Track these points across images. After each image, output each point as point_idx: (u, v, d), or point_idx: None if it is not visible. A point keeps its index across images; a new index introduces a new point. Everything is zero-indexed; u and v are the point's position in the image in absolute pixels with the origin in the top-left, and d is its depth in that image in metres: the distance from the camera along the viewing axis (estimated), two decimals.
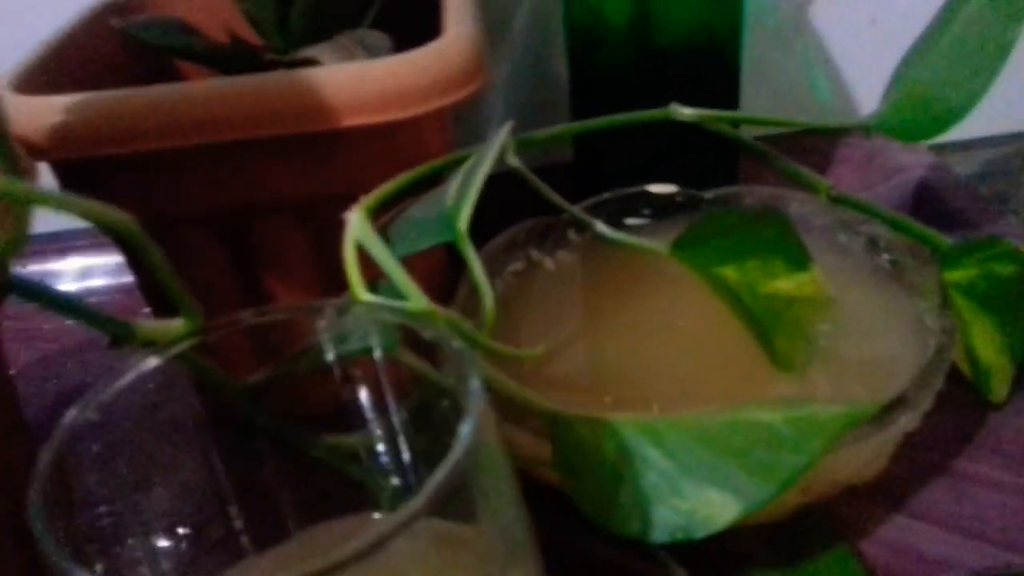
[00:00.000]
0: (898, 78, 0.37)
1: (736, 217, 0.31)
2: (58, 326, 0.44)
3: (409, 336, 0.23)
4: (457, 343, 0.19)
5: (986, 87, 0.33)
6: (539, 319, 0.34)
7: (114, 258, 0.48)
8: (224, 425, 0.22)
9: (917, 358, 0.29)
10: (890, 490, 0.32)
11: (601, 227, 0.33)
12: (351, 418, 0.25)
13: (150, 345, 0.20)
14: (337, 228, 0.32)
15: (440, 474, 0.16)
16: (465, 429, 0.17)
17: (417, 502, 0.15)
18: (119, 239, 0.18)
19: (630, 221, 0.38)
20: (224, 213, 0.32)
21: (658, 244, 0.31)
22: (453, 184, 0.28)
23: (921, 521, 0.31)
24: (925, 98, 0.35)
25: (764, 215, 0.31)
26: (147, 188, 0.30)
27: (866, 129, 0.36)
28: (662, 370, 0.31)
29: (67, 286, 0.49)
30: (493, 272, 0.35)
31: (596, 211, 0.37)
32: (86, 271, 0.50)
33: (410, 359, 0.23)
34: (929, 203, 0.46)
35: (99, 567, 0.15)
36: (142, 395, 0.20)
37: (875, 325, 0.32)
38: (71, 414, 0.18)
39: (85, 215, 0.17)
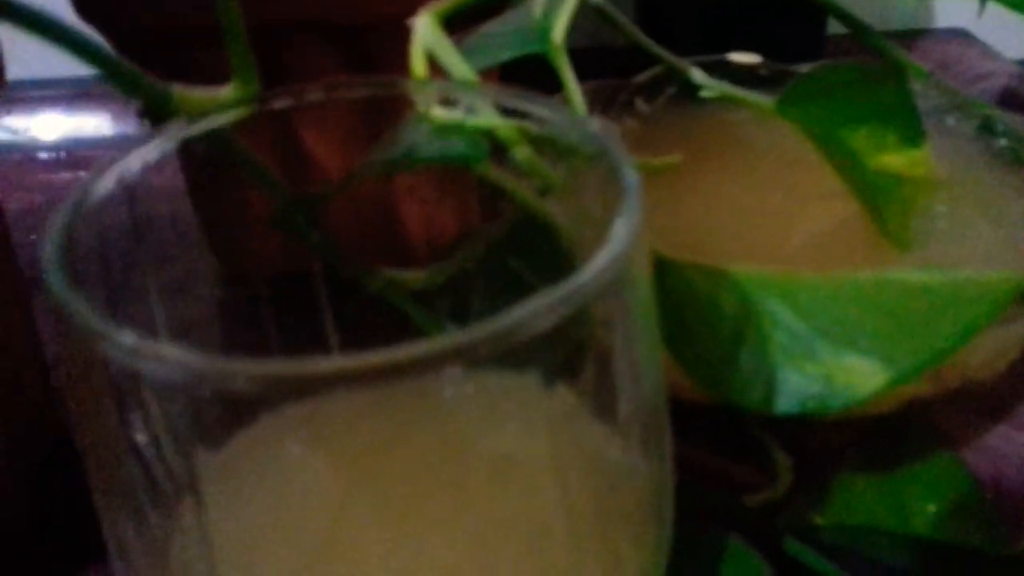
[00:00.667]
0: None
1: (853, 72, 0.27)
2: (47, 178, 0.40)
3: (498, 150, 0.19)
4: (596, 131, 0.15)
5: None
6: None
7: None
8: (266, 235, 0.18)
9: None
10: (996, 402, 0.28)
11: (698, 74, 0.28)
12: (415, 252, 0.21)
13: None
14: (381, 61, 0.28)
15: (588, 274, 0.12)
16: (621, 227, 0.12)
17: (550, 299, 0.11)
18: None
19: (705, 93, 0.34)
20: (252, 34, 0.27)
21: (762, 99, 0.27)
22: (538, 1, 0.23)
23: None
24: None
25: (882, 74, 0.27)
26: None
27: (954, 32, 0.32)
28: (758, 241, 0.27)
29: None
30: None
31: (666, 79, 0.33)
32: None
33: (501, 175, 0.19)
34: (1018, 111, 0.42)
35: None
36: (171, 175, 0.16)
37: (995, 210, 0.28)
38: (90, 179, 0.14)
39: None
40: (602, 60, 0.33)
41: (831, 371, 0.19)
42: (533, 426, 0.17)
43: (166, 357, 0.10)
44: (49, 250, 0.12)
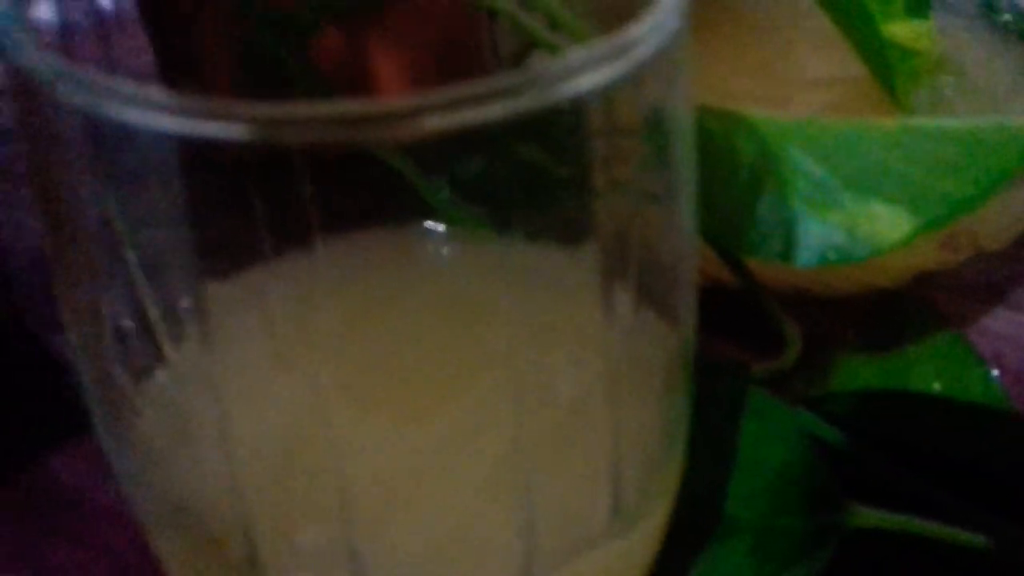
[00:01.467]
0: None
1: None
2: None
3: None
4: None
5: None
6: None
7: None
8: (247, 61, 0.16)
9: None
10: (995, 285, 0.28)
11: None
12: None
13: None
14: None
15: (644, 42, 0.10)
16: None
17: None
18: None
19: None
20: None
21: None
22: None
23: None
24: None
25: None
26: None
27: None
28: (775, 95, 0.25)
29: None
30: None
31: None
32: None
33: (505, 5, 0.17)
34: None
35: None
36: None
37: (1001, 85, 0.27)
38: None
39: None
40: None
41: (855, 220, 0.18)
42: (570, 294, 0.16)
43: (146, 98, 0.08)
44: (6, 8, 0.10)
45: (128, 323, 0.13)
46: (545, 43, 0.17)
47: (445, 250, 0.18)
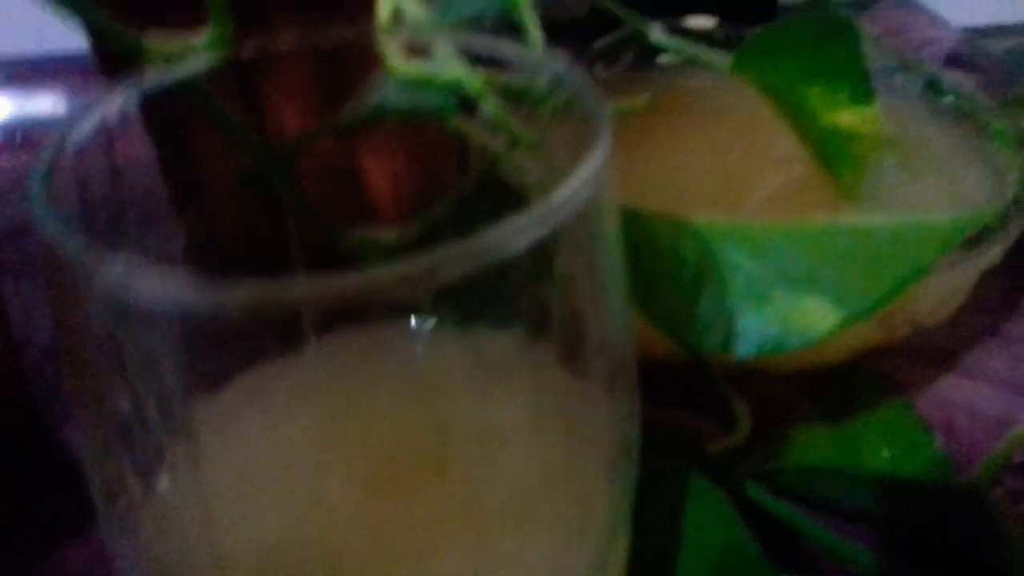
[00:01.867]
0: None
1: (807, 25, 0.27)
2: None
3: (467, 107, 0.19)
4: (572, 71, 0.15)
5: None
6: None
7: None
8: (238, 186, 0.18)
9: (992, 195, 0.26)
10: (944, 352, 0.29)
11: (657, 32, 0.29)
12: (384, 209, 0.21)
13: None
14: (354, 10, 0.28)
15: (559, 199, 0.12)
16: (594, 161, 0.13)
17: (522, 221, 0.12)
18: None
19: (663, 58, 0.35)
20: None
21: (719, 57, 0.28)
22: None
23: (976, 381, 0.29)
24: None
25: (835, 29, 0.27)
26: None
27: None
28: (713, 200, 0.27)
29: None
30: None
31: (624, 44, 0.34)
32: None
33: (471, 129, 0.19)
34: (965, 74, 0.44)
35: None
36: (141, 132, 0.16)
37: (943, 164, 0.29)
38: (71, 122, 0.14)
39: None
40: (564, 30, 0.33)
41: (787, 313, 0.19)
42: (511, 386, 0.17)
43: (157, 281, 0.10)
44: (35, 187, 0.12)
45: (133, 423, 0.15)
46: (507, 161, 0.19)
47: (420, 345, 0.20)
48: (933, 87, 0.32)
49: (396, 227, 0.21)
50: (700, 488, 0.19)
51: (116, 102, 0.15)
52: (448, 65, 0.17)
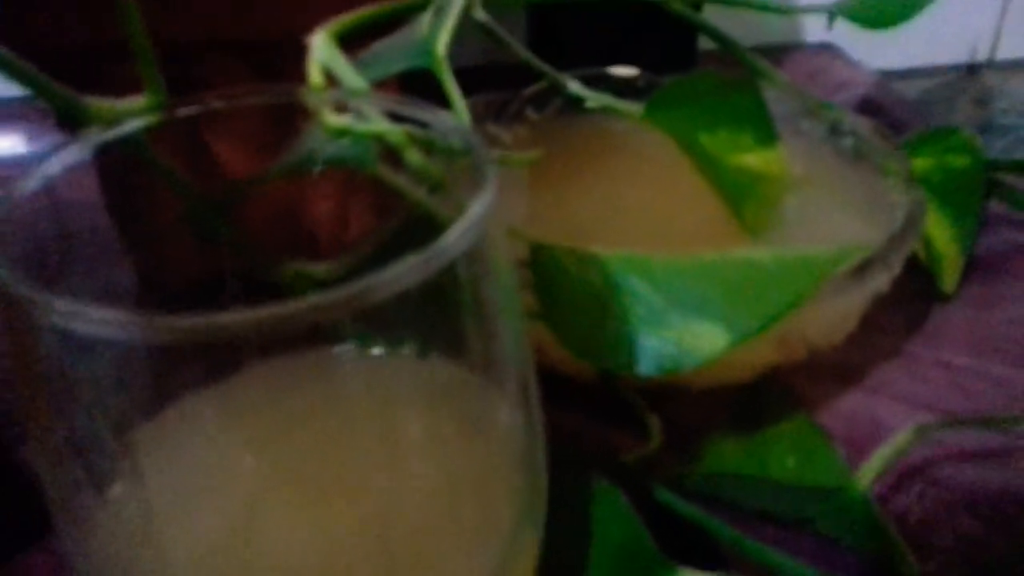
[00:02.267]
0: None
1: (710, 81, 0.30)
2: None
3: (386, 156, 0.21)
4: (468, 132, 0.17)
5: None
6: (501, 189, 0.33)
7: None
8: (178, 233, 0.20)
9: (884, 229, 0.29)
10: (848, 369, 0.32)
11: (574, 86, 0.31)
12: (325, 248, 0.23)
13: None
14: (285, 70, 0.30)
15: (451, 239, 0.14)
16: (478, 202, 0.15)
17: (418, 260, 0.14)
18: None
19: (589, 104, 0.37)
20: (165, 51, 0.29)
21: (631, 106, 0.30)
22: (424, 19, 0.26)
23: (877, 396, 0.31)
24: None
25: (737, 83, 0.30)
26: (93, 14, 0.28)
27: (830, 15, 0.36)
28: (634, 233, 0.30)
29: None
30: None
31: (554, 90, 0.36)
32: None
33: (392, 176, 0.21)
34: (874, 114, 0.47)
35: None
36: (90, 184, 0.18)
37: (841, 200, 0.32)
38: (17, 184, 0.16)
39: None
40: (498, 76, 0.36)
41: (682, 336, 0.22)
42: (414, 399, 0.19)
43: (94, 315, 0.12)
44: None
45: (82, 442, 0.17)
46: (423, 203, 0.22)
47: (342, 369, 0.22)
48: (835, 130, 0.35)
49: (328, 263, 0.23)
50: (603, 492, 0.21)
51: (63, 156, 0.17)
52: (372, 121, 0.20)
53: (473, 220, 0.14)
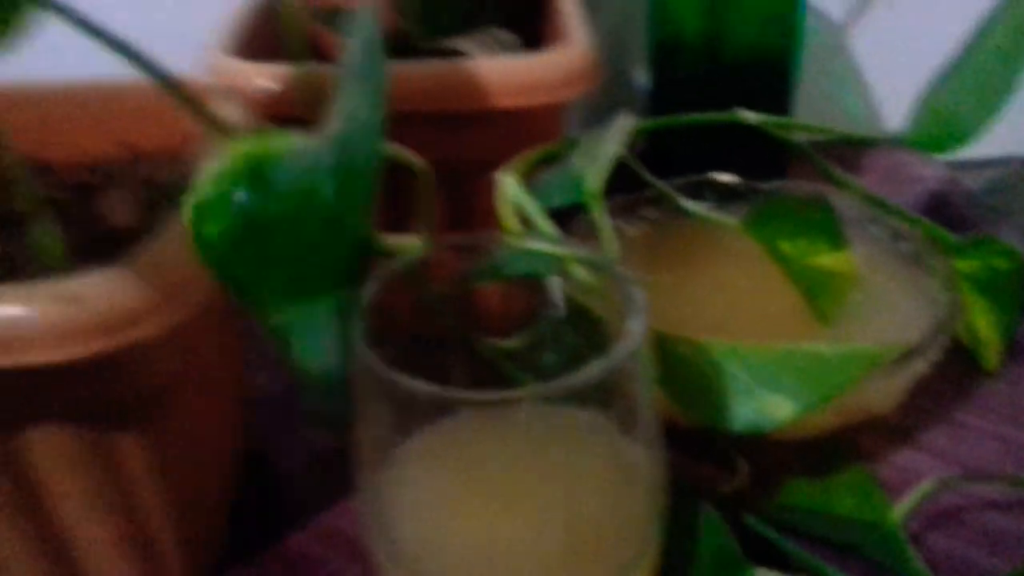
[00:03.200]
0: (924, 100, 0.45)
1: (792, 202, 0.39)
2: None
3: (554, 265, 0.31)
4: (628, 274, 0.27)
5: (997, 109, 0.41)
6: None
7: None
8: (423, 321, 0.30)
9: (928, 324, 0.37)
10: (901, 430, 0.40)
11: (689, 203, 0.41)
12: (497, 317, 0.33)
13: (386, 254, 0.28)
14: (468, 194, 0.40)
15: (617, 352, 0.24)
16: (635, 328, 0.25)
17: (598, 366, 0.23)
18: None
19: (695, 204, 0.46)
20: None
21: (731, 219, 0.39)
22: (581, 156, 0.36)
23: (923, 454, 0.39)
24: (947, 117, 0.43)
25: (813, 202, 0.39)
26: None
27: (896, 141, 0.44)
28: (729, 318, 0.39)
29: None
30: (588, 234, 0.42)
31: (641, 202, 0.45)
32: None
33: (563, 283, 0.31)
34: (942, 209, 0.55)
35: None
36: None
37: (896, 298, 0.40)
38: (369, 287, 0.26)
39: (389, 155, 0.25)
40: (624, 177, 0.45)
41: (763, 405, 0.31)
42: (577, 438, 0.29)
43: (423, 387, 0.22)
44: (356, 324, 0.24)
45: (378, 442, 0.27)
46: (583, 299, 0.31)
47: (532, 415, 0.32)
48: (896, 235, 0.43)
49: (511, 335, 0.33)
50: (705, 514, 0.30)
51: (381, 277, 0.27)
52: (547, 245, 0.29)
53: (634, 336, 0.24)
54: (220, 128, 0.25)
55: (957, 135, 0.42)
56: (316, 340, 0.15)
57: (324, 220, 0.15)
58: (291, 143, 0.19)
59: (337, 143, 0.16)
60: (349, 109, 0.16)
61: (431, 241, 0.28)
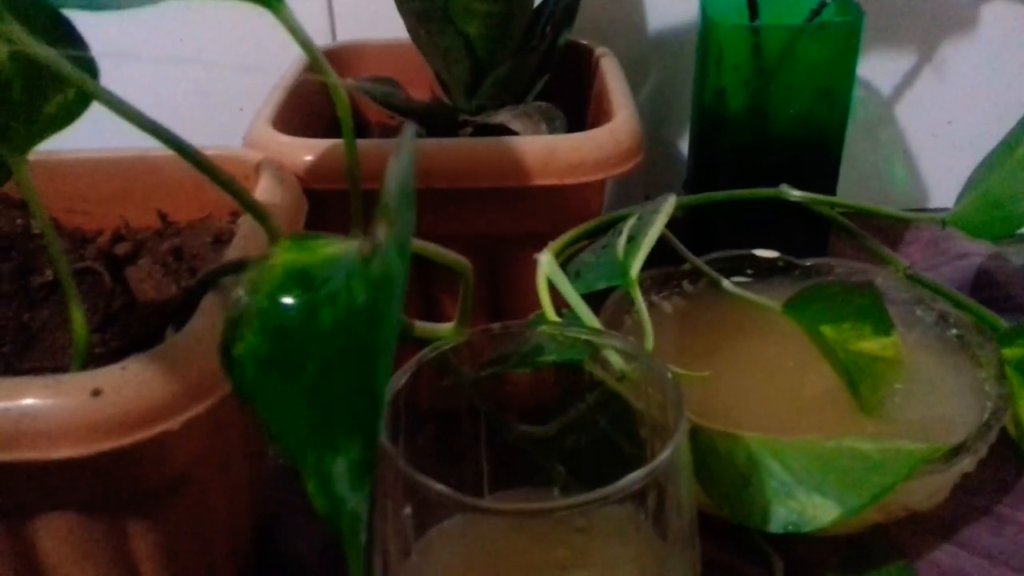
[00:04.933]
0: (973, 182, 0.44)
1: (837, 287, 0.38)
2: None
3: (590, 352, 0.30)
4: (667, 370, 0.26)
5: None
6: (660, 354, 0.41)
7: None
8: (457, 405, 0.30)
9: (975, 416, 0.36)
10: (942, 524, 0.39)
11: (727, 283, 0.40)
12: (538, 415, 0.32)
13: (420, 340, 0.28)
14: (510, 265, 0.40)
15: (660, 458, 0.23)
16: (678, 436, 0.24)
17: (638, 475, 0.22)
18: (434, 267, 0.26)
19: (735, 279, 0.45)
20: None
21: (771, 302, 0.38)
22: (621, 240, 0.35)
23: (966, 551, 0.38)
24: (995, 203, 0.42)
25: (859, 287, 0.38)
26: (365, 217, 0.38)
27: (942, 223, 0.43)
28: (765, 403, 0.38)
29: None
30: (624, 310, 0.42)
31: (674, 276, 0.45)
32: None
33: (598, 371, 0.30)
34: (987, 286, 0.53)
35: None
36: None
37: (942, 387, 0.39)
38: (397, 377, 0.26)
39: (429, 254, 0.24)
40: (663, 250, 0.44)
41: (805, 507, 0.30)
42: (624, 542, 0.28)
43: (444, 491, 0.21)
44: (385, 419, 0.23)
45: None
46: (615, 386, 0.30)
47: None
48: (943, 319, 0.42)
49: (544, 426, 0.32)
50: None
51: (412, 365, 0.26)
52: (582, 332, 0.29)
53: (675, 445, 0.23)
54: (256, 210, 0.24)
55: (1006, 222, 0.41)
56: (337, 486, 0.14)
57: (359, 347, 0.15)
58: (334, 251, 0.18)
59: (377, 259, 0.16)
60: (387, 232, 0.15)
61: (465, 332, 0.27)
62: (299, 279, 0.17)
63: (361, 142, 0.37)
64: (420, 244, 0.24)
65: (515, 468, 0.32)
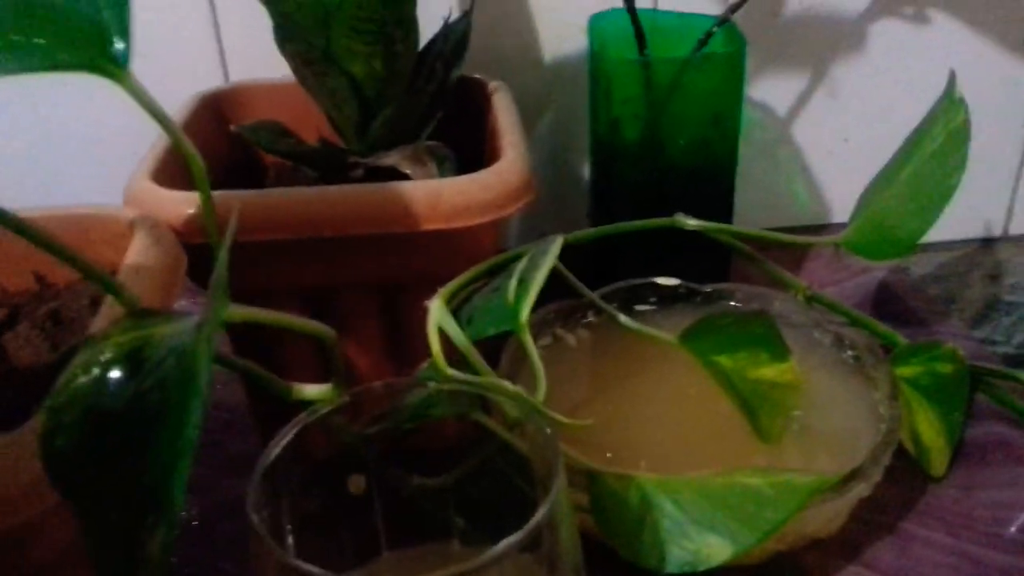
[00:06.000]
0: (863, 204, 0.45)
1: (732, 316, 0.38)
2: None
3: (480, 402, 0.30)
4: (543, 422, 0.26)
5: (932, 222, 0.41)
6: (563, 388, 0.41)
7: None
8: (346, 463, 0.29)
9: (871, 438, 0.37)
10: (846, 545, 0.39)
11: (624, 319, 0.40)
12: (433, 465, 0.32)
13: (302, 402, 0.27)
14: (406, 307, 0.39)
15: (538, 515, 0.23)
16: (557, 484, 0.24)
17: (519, 536, 0.22)
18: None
19: (639, 307, 0.46)
20: (313, 290, 0.39)
21: (667, 334, 0.38)
22: (512, 283, 0.35)
23: (871, 571, 0.38)
24: (884, 225, 0.42)
25: (754, 315, 0.38)
26: (255, 268, 0.37)
27: (836, 245, 0.44)
28: (665, 436, 0.38)
29: None
30: (522, 359, 0.41)
31: (611, 297, 0.45)
32: None
33: (488, 421, 0.30)
34: (888, 301, 0.54)
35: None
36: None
37: (838, 409, 0.39)
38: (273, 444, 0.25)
39: (293, 327, 0.24)
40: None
41: (698, 547, 0.30)
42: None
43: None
44: (251, 492, 0.22)
45: None
46: (507, 436, 0.30)
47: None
48: (839, 343, 0.42)
49: (438, 478, 0.31)
50: None
51: (291, 431, 0.26)
52: (471, 383, 0.28)
53: (552, 498, 0.23)
54: (104, 281, 0.24)
55: (895, 244, 0.42)
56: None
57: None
58: (165, 331, 0.17)
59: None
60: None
61: (341, 393, 0.27)
62: (129, 360, 0.17)
63: (244, 193, 0.36)
64: (284, 318, 0.24)
65: (413, 523, 0.32)
